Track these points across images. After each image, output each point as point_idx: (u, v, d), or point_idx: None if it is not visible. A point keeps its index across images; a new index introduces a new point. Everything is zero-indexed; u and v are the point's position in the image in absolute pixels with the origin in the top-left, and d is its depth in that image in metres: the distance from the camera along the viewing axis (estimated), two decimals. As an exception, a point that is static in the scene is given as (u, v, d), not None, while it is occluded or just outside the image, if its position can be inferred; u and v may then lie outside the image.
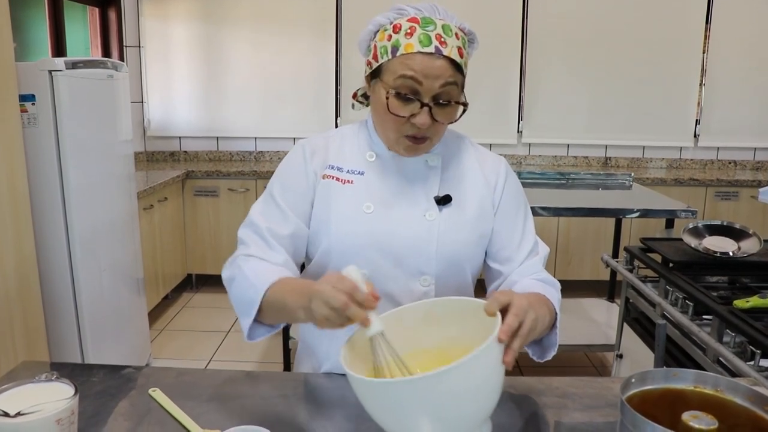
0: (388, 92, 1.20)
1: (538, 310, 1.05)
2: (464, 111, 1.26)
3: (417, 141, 1.25)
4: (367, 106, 1.37)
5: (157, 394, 1.16)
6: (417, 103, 1.19)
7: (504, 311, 0.97)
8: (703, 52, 4.88)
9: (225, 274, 1.28)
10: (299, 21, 4.85)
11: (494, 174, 1.37)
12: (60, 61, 2.55)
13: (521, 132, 5.00)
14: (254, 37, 4.88)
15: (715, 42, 4.86)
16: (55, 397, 0.90)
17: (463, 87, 1.25)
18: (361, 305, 0.95)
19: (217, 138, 5.06)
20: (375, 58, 1.24)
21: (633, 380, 0.91)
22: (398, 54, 1.19)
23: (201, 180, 4.49)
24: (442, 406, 0.87)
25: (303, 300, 1.04)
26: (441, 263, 1.29)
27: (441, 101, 1.20)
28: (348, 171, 1.32)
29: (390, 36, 1.21)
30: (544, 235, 1.42)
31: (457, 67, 1.20)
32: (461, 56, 1.20)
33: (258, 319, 1.19)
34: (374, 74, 1.25)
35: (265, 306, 1.16)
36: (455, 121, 1.25)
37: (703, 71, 4.90)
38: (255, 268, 1.22)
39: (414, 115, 1.20)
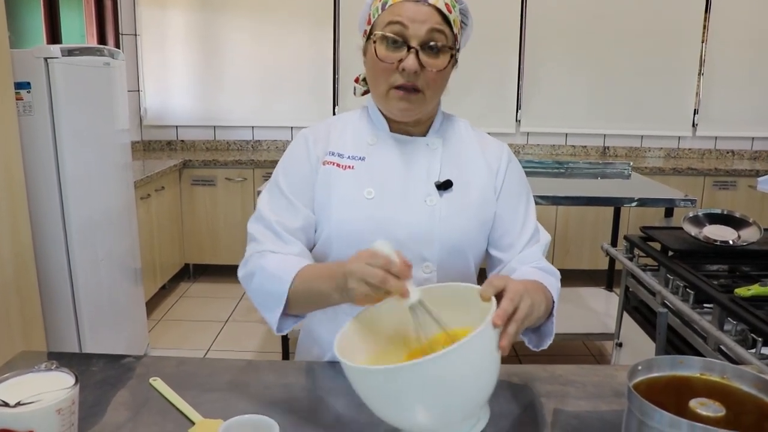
0: (376, 39, 1.22)
1: (534, 295, 1.04)
2: (455, 61, 1.26)
3: (408, 92, 1.23)
4: (369, 90, 1.36)
5: (158, 383, 1.15)
6: (404, 48, 1.20)
7: (499, 297, 0.96)
8: (702, 42, 4.86)
9: (242, 273, 1.28)
10: (297, 9, 4.82)
11: (496, 159, 1.36)
12: (56, 48, 2.52)
13: (519, 121, 4.99)
14: (252, 26, 4.85)
15: (714, 32, 4.84)
16: (56, 386, 0.89)
17: (453, 47, 1.24)
18: (397, 277, 0.96)
19: (215, 127, 5.03)
20: (369, 22, 1.27)
21: (639, 368, 0.90)
22: (387, 6, 1.22)
23: (198, 169, 4.47)
24: (437, 392, 0.86)
25: (336, 282, 1.05)
26: (443, 249, 1.28)
27: (429, 45, 1.21)
28: (349, 157, 1.31)
29: None
30: (542, 224, 1.42)
31: (444, 18, 1.22)
32: (449, 11, 1.22)
33: (285, 311, 1.19)
34: (368, 37, 1.27)
35: (293, 296, 1.16)
36: (444, 69, 1.23)
37: (701, 61, 4.89)
38: (275, 261, 1.22)
39: (402, 61, 1.20)
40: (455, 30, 1.25)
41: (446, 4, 1.22)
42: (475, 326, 0.88)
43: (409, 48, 1.20)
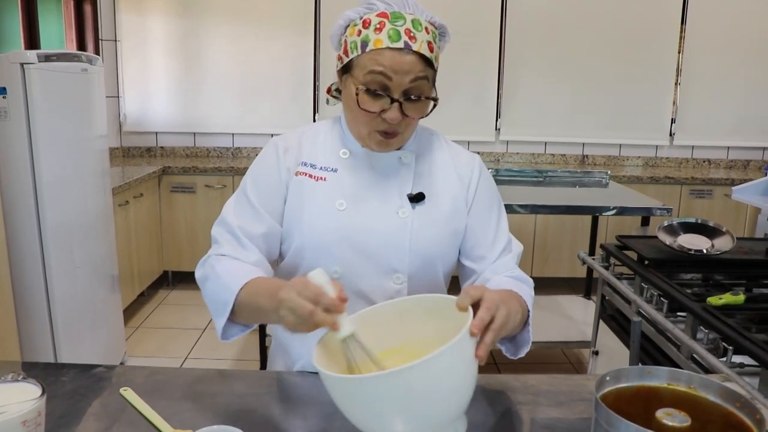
0: (357, 88, 1.19)
1: (510, 305, 1.05)
2: (434, 106, 1.25)
3: (388, 136, 1.24)
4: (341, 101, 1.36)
5: (129, 393, 1.14)
6: (387, 99, 1.19)
7: (476, 306, 0.96)
8: (679, 52, 4.93)
9: (198, 274, 1.27)
10: (277, 16, 4.81)
11: (468, 171, 1.37)
12: (32, 54, 2.50)
13: (499, 129, 5.01)
14: (232, 33, 4.84)
15: (690, 42, 4.91)
16: (22, 397, 0.88)
17: (434, 82, 1.24)
18: (328, 310, 0.94)
19: (194, 134, 5.01)
20: (345, 53, 1.23)
21: (607, 378, 0.91)
22: (368, 49, 1.18)
23: (177, 176, 4.45)
24: (415, 401, 0.86)
25: (273, 304, 1.02)
26: (414, 261, 1.28)
27: (411, 96, 1.19)
28: (321, 168, 1.31)
29: (359, 31, 1.20)
30: (521, 233, 1.43)
31: (427, 62, 1.19)
32: (431, 51, 1.20)
33: (232, 319, 1.18)
34: (345, 69, 1.25)
35: (238, 307, 1.15)
36: (426, 115, 1.25)
37: (678, 71, 4.96)
38: (227, 267, 1.21)
39: (384, 111, 1.19)
40: (436, 64, 1.23)
41: (429, 44, 1.19)
42: (449, 338, 0.88)
43: (393, 100, 1.18)
